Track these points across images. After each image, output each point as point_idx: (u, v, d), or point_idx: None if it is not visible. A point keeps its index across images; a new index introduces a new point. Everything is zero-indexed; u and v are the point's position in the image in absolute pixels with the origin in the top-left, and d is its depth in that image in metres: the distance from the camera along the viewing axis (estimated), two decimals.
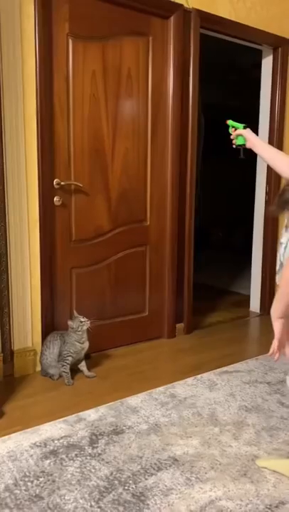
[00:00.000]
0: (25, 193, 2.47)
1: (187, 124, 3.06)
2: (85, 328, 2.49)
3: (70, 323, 2.49)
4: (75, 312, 2.54)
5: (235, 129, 1.84)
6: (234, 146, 1.86)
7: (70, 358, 2.47)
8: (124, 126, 2.84)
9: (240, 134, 1.82)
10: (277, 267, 1.60)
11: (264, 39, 3.40)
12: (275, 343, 1.50)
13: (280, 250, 1.57)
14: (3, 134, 2.36)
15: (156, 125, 2.98)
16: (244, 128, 1.82)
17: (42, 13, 2.40)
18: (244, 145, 1.83)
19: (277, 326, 1.49)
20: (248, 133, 1.81)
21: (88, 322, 2.50)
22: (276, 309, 1.48)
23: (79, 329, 2.48)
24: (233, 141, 1.85)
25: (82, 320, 2.49)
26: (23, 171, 2.44)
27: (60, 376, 2.49)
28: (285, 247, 1.54)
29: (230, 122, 1.87)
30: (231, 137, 1.85)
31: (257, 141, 1.80)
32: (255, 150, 1.80)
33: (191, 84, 3.04)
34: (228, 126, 1.89)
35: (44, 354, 2.50)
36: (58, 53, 2.53)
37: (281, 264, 1.56)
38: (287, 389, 1.77)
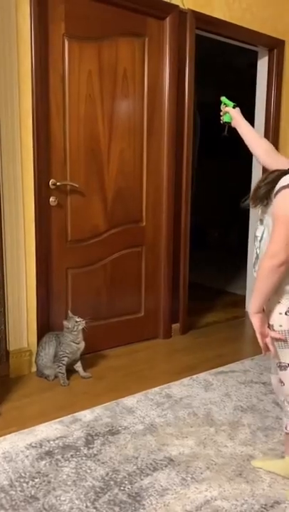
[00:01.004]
0: (21, 194, 2.46)
1: (183, 123, 3.07)
2: (80, 327, 2.49)
3: (65, 323, 2.49)
4: (69, 312, 2.54)
5: (226, 106, 1.88)
6: (221, 122, 1.90)
7: (65, 359, 2.47)
8: (120, 126, 2.84)
9: (228, 111, 1.86)
10: (253, 260, 1.62)
11: (259, 40, 3.41)
12: (259, 339, 1.52)
13: (256, 244, 1.60)
14: None
15: (152, 125, 2.98)
16: (234, 107, 1.86)
17: (38, 13, 2.39)
18: (230, 123, 1.88)
19: (255, 321, 1.52)
20: (235, 112, 1.85)
21: (83, 322, 2.50)
22: (254, 304, 1.51)
23: (74, 329, 2.48)
24: (222, 117, 1.90)
25: (78, 320, 2.48)
26: (19, 171, 2.44)
27: (56, 377, 2.49)
28: (260, 240, 1.57)
29: (223, 99, 1.91)
30: (221, 113, 1.89)
31: (242, 122, 1.84)
32: (239, 130, 1.84)
33: (186, 84, 3.04)
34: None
35: (39, 355, 2.50)
36: (53, 53, 2.53)
37: (257, 257, 1.59)
38: (273, 387, 1.78)
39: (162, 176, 3.05)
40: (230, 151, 6.60)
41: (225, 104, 1.89)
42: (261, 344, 1.54)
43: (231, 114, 1.86)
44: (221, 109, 1.90)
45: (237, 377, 2.59)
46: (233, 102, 1.87)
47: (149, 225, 3.07)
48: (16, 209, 2.45)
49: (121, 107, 2.83)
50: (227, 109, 1.87)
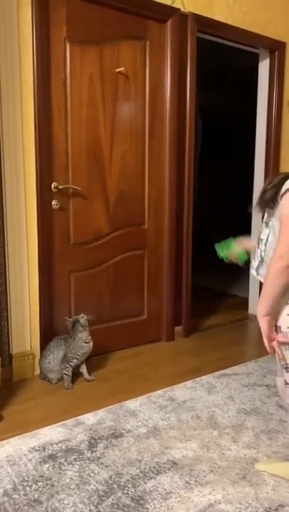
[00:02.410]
0: (24, 197, 2.47)
1: (184, 126, 3.07)
2: (87, 321, 2.52)
3: (76, 325, 2.49)
4: (73, 317, 2.54)
5: (229, 249, 1.71)
6: (241, 265, 1.75)
7: (75, 361, 2.48)
8: (122, 129, 2.85)
9: (236, 251, 1.72)
10: (257, 263, 1.61)
11: (261, 43, 3.41)
12: (265, 342, 1.51)
13: (261, 246, 1.59)
14: (1, 138, 2.36)
15: (154, 128, 2.98)
16: (233, 240, 1.71)
17: (39, 16, 2.40)
18: (248, 258, 1.72)
19: (263, 324, 1.50)
20: (239, 243, 1.71)
21: (86, 316, 2.53)
22: (262, 306, 1.49)
23: (86, 324, 2.49)
24: (237, 261, 1.74)
25: (83, 316, 2.50)
26: (21, 174, 2.45)
27: (59, 380, 2.49)
28: (266, 243, 1.57)
29: (218, 247, 1.74)
30: (233, 259, 1.73)
31: (252, 241, 1.70)
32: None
33: (188, 87, 3.05)
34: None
35: (46, 358, 2.49)
36: (55, 57, 2.54)
37: (261, 261, 1.58)
38: (278, 389, 1.77)
39: (164, 178, 3.05)
40: (232, 154, 6.62)
41: (227, 248, 1.72)
42: (268, 347, 1.53)
43: (239, 248, 1.72)
44: (225, 256, 1.72)
45: (240, 379, 2.58)
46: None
47: (152, 227, 3.07)
48: (18, 212, 2.46)
49: (123, 110, 2.84)
50: (235, 249, 1.71)
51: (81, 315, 2.51)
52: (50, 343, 2.54)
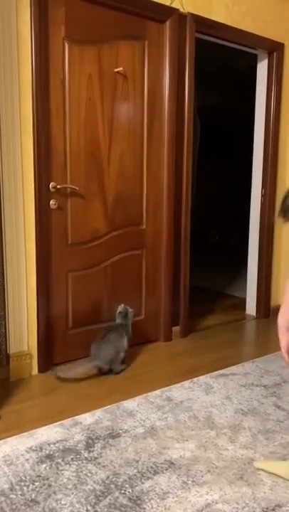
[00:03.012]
0: (21, 197, 2.47)
1: (183, 127, 3.07)
2: None
3: (129, 317, 2.66)
4: (121, 307, 2.69)
5: None
6: None
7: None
8: (120, 129, 2.85)
9: None
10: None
11: (259, 43, 3.42)
12: (285, 356, 1.43)
13: None
14: (0, 137, 2.36)
15: (152, 128, 2.98)
16: None
17: (38, 16, 2.40)
18: None
19: (283, 337, 1.39)
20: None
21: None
22: (284, 318, 1.39)
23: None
24: None
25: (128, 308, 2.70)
26: (19, 174, 2.44)
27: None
28: None
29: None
30: None
31: None
32: None
33: (186, 87, 3.05)
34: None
35: (109, 350, 2.54)
36: (54, 57, 2.54)
37: None
38: None
39: (162, 178, 3.05)
40: (230, 154, 6.63)
41: None
42: (287, 360, 1.48)
43: None
44: None
45: (238, 380, 2.58)
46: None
47: (150, 227, 3.07)
48: (16, 212, 2.45)
49: (121, 111, 2.84)
50: None
51: (123, 306, 2.68)
52: (109, 335, 2.57)
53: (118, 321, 2.68)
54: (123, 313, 2.68)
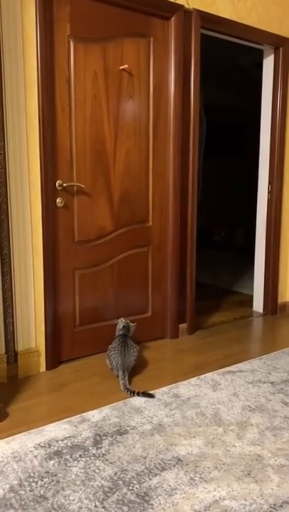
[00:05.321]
0: (28, 195, 2.48)
1: (189, 124, 3.07)
2: None
3: (131, 331, 2.59)
4: (122, 319, 2.63)
5: None
6: None
7: None
8: (126, 127, 2.85)
9: None
10: None
11: (265, 39, 3.40)
12: None
13: None
14: (6, 135, 2.37)
15: (158, 126, 2.98)
16: None
17: (43, 14, 2.40)
18: None
19: None
20: None
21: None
22: None
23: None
24: None
25: (129, 322, 2.64)
26: (26, 172, 2.45)
27: None
28: None
29: None
30: None
31: None
32: None
33: (192, 84, 3.04)
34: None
35: (132, 356, 2.50)
36: (59, 54, 2.54)
37: None
38: None
39: (168, 175, 3.05)
40: (236, 151, 6.60)
41: None
42: None
43: None
44: None
45: (245, 376, 2.58)
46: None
47: (156, 225, 3.07)
48: (23, 210, 2.47)
49: (126, 108, 2.83)
50: None
51: (123, 319, 2.63)
52: (126, 341, 2.51)
53: (121, 333, 2.59)
54: (126, 327, 2.60)
